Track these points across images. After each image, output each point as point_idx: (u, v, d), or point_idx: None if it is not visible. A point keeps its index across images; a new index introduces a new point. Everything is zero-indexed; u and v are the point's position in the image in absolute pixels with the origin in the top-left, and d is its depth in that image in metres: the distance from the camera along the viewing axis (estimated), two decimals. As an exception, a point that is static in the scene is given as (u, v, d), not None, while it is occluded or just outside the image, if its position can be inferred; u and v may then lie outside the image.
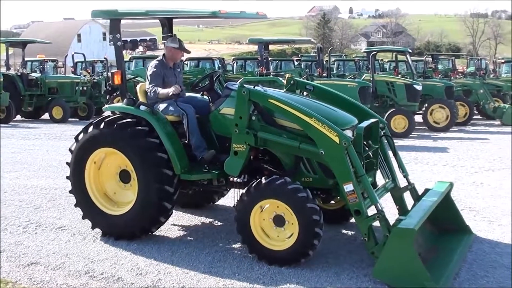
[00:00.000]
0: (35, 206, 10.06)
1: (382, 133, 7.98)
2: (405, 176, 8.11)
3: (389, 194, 7.96)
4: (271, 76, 22.40)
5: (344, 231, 8.43)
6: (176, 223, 8.89)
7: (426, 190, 7.88)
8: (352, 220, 8.59)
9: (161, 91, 8.11)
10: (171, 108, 8.07)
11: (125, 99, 8.26)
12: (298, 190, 6.85)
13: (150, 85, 8.24)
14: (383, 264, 6.42)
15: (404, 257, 6.27)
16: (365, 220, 6.69)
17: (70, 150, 8.37)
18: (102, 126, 7.97)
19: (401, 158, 8.31)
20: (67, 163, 8.44)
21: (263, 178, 7.10)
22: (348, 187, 6.73)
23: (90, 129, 8.11)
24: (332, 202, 8.46)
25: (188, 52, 8.87)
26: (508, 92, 26.41)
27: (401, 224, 6.41)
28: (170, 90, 8.06)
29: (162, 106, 8.13)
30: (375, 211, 6.70)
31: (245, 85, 7.42)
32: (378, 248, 6.59)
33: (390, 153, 8.14)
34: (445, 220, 7.92)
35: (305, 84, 8.83)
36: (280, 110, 7.25)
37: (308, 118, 6.98)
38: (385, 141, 8.06)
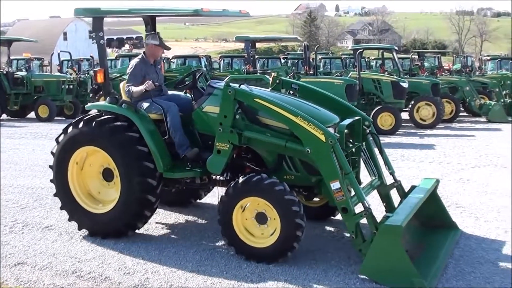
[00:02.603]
0: (22, 205, 10.01)
1: (368, 131, 8.02)
2: (391, 173, 8.14)
3: (375, 191, 7.99)
4: (258, 74, 22.38)
5: (331, 229, 8.45)
6: (163, 222, 8.88)
7: (413, 187, 7.92)
8: (338, 217, 8.65)
9: (135, 89, 8.11)
10: (153, 106, 8.07)
11: (108, 97, 8.25)
12: (274, 184, 6.89)
13: (126, 85, 8.26)
14: (371, 261, 6.46)
15: (391, 254, 6.31)
16: (352, 217, 6.72)
17: (52, 153, 8.37)
18: (81, 125, 8.00)
19: (387, 156, 8.35)
20: (50, 166, 8.42)
21: (240, 177, 7.13)
22: (335, 185, 6.75)
23: (70, 129, 8.12)
24: (316, 199, 8.47)
25: (168, 48, 8.86)
26: (494, 89, 26.53)
27: (388, 221, 6.45)
28: (142, 87, 8.05)
29: (145, 105, 8.12)
30: (362, 209, 6.73)
31: (231, 84, 7.42)
32: (365, 245, 6.62)
33: (376, 151, 8.18)
34: (432, 216, 7.98)
35: (290, 83, 8.84)
36: (266, 109, 7.27)
37: (294, 117, 7.00)
38: (371, 138, 8.10)
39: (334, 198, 6.80)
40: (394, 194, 8.13)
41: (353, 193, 7.02)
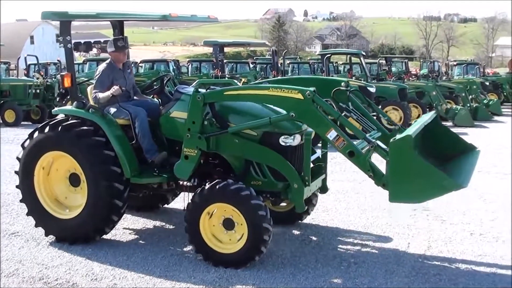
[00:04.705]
0: (-13, 211, 9.89)
1: (348, 91, 8.02)
2: (388, 120, 8.19)
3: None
4: (226, 78, 22.39)
5: (298, 233, 8.49)
6: (131, 227, 8.86)
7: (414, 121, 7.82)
8: (305, 221, 8.71)
9: (101, 95, 8.09)
10: (121, 111, 8.04)
11: (75, 101, 8.19)
12: (240, 189, 6.91)
13: (93, 91, 8.23)
14: (395, 185, 6.42)
15: (411, 167, 6.25)
16: (361, 157, 6.74)
17: (17, 158, 8.30)
18: (47, 130, 7.96)
19: (376, 105, 8.38)
20: (16, 172, 8.35)
21: (206, 184, 7.14)
22: (331, 134, 6.78)
23: (36, 134, 8.07)
24: (283, 204, 8.51)
25: (127, 47, 8.71)
26: (460, 94, 26.84)
27: (396, 137, 6.43)
28: (109, 92, 8.04)
29: (112, 110, 8.09)
30: (366, 145, 6.81)
31: (199, 90, 7.43)
32: (387, 177, 6.59)
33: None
34: (445, 148, 7.78)
35: (261, 83, 8.91)
36: (238, 97, 7.37)
37: (266, 91, 7.10)
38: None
39: (336, 147, 6.80)
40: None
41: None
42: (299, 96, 6.84)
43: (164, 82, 8.41)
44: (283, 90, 6.94)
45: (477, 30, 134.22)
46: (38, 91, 27.04)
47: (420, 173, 6.21)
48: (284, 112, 7.11)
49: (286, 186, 7.34)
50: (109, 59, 8.50)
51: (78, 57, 68.62)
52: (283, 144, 7.19)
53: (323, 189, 8.15)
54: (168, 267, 7.20)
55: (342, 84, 8.02)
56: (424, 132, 7.20)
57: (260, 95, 7.17)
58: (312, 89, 6.90)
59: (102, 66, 8.43)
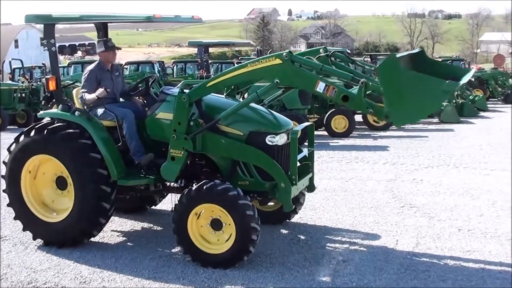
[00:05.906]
0: (-26, 216, 9.83)
1: (327, 56, 8.03)
2: (375, 69, 8.15)
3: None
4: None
5: (286, 232, 8.49)
6: (119, 229, 8.83)
7: None
8: (293, 220, 8.71)
9: (88, 96, 8.06)
10: (107, 113, 8.01)
11: (61, 105, 8.16)
12: (228, 190, 6.91)
13: (81, 91, 8.20)
14: (396, 108, 6.39)
15: (404, 83, 6.18)
16: (356, 97, 6.70)
17: (4, 162, 8.27)
18: (32, 133, 7.93)
19: (361, 61, 8.42)
20: (2, 176, 8.31)
21: (193, 185, 7.13)
22: (320, 86, 6.78)
23: (21, 138, 8.03)
24: (271, 203, 8.52)
25: (116, 49, 8.66)
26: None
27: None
28: (94, 94, 8.00)
29: (99, 111, 8.06)
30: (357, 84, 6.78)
31: (185, 91, 7.41)
32: (386, 106, 6.53)
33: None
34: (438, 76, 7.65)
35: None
36: (221, 84, 7.40)
37: (244, 69, 7.14)
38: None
39: (329, 97, 6.82)
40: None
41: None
42: (277, 61, 6.86)
43: (150, 83, 8.38)
44: (260, 61, 6.98)
45: (461, 26, 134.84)
46: (23, 95, 26.88)
47: (416, 86, 6.14)
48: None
49: (274, 186, 7.35)
50: (98, 60, 8.46)
51: (63, 60, 68.36)
52: (269, 143, 7.20)
53: (311, 187, 8.16)
54: (157, 268, 7.19)
55: (321, 51, 8.06)
56: (414, 66, 7.09)
57: (241, 74, 7.18)
58: (287, 51, 6.93)
59: (90, 66, 8.39)
